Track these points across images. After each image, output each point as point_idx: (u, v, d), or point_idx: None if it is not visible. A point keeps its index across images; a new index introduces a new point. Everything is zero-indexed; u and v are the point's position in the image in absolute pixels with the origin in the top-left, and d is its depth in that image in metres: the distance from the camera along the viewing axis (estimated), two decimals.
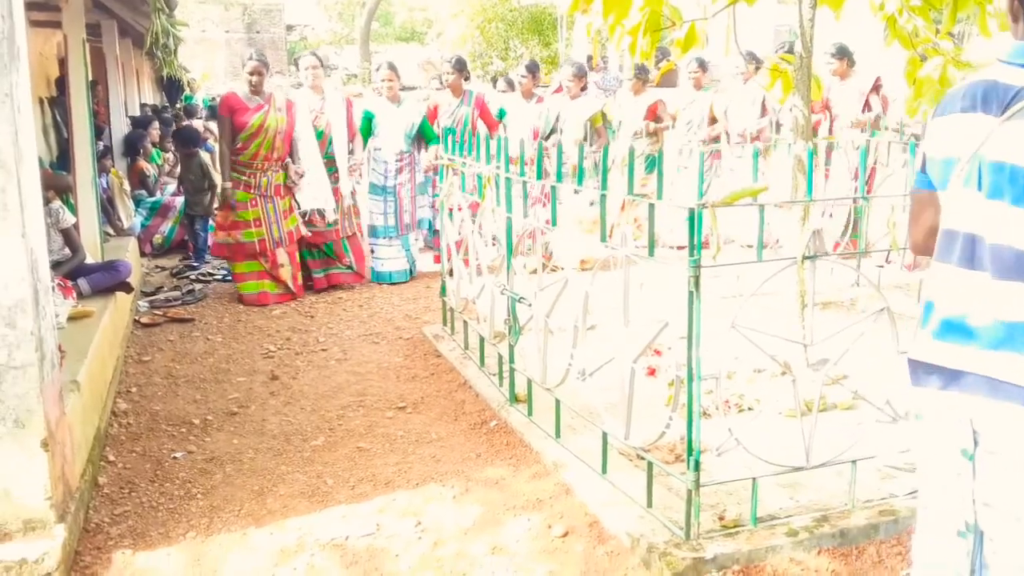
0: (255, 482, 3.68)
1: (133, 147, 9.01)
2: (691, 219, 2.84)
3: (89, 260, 5.64)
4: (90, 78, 7.95)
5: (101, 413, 4.11)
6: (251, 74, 6.53)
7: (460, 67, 7.46)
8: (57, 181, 5.67)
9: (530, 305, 3.99)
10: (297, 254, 6.77)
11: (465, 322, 5.10)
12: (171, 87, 14.09)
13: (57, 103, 8.09)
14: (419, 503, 3.47)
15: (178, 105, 14.09)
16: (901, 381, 3.12)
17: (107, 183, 7.62)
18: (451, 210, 5.23)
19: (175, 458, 3.93)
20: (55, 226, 5.23)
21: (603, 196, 3.51)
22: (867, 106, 7.48)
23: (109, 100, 8.91)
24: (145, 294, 6.75)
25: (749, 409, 4.05)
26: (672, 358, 3.17)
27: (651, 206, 3.17)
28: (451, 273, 5.28)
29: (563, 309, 3.72)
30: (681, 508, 2.97)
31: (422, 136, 7.30)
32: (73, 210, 5.84)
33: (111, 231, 7.32)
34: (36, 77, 8.15)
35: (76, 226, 5.60)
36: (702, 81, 8.37)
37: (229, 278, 7.03)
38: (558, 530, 3.21)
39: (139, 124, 9.98)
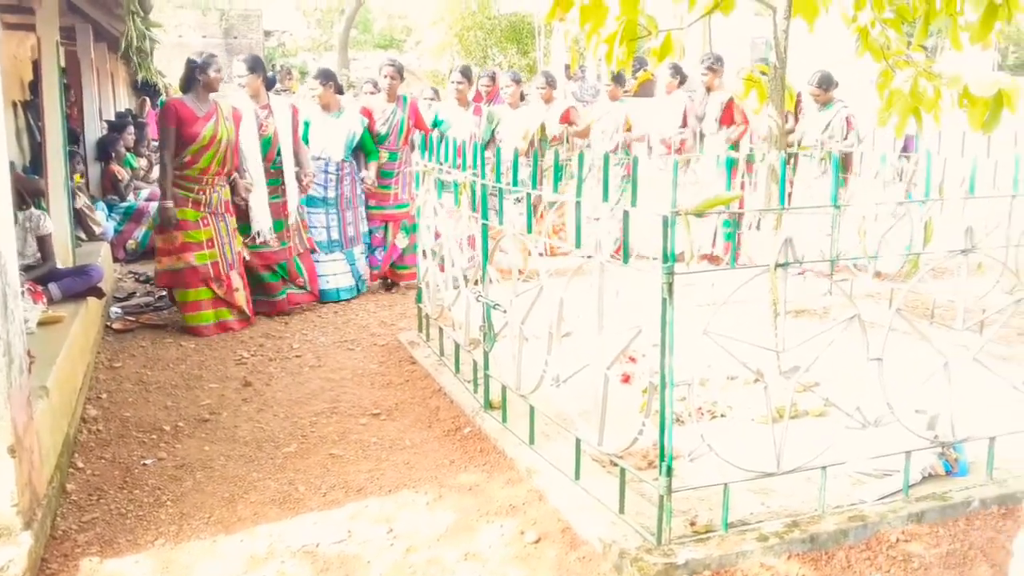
0: (226, 489, 3.65)
1: (106, 151, 8.93)
2: (664, 226, 2.85)
3: (60, 265, 5.58)
4: (64, 81, 7.90)
5: (70, 419, 4.06)
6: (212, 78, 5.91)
7: (399, 72, 7.17)
8: (29, 185, 5.62)
9: (505, 312, 3.99)
10: (245, 276, 6.19)
11: (441, 329, 5.09)
12: (148, 92, 14.00)
13: (31, 107, 8.01)
14: (392, 510, 3.45)
15: (156, 110, 13.99)
16: (870, 387, 3.16)
17: (73, 189, 7.53)
18: (427, 217, 5.22)
19: (145, 465, 3.88)
20: (33, 231, 5.20)
21: (578, 203, 3.52)
22: (787, 116, 7.56)
23: (83, 104, 8.83)
24: (117, 299, 6.68)
25: (722, 416, 4.07)
26: (646, 365, 3.18)
27: (626, 214, 3.18)
28: (426, 280, 5.27)
29: (538, 316, 3.72)
30: (653, 514, 2.97)
31: (362, 148, 7.01)
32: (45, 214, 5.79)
33: (83, 236, 7.25)
34: (9, 80, 8.08)
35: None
36: (619, 93, 8.60)
37: (165, 307, 6.40)
38: (531, 536, 3.20)
39: (114, 128, 9.90)
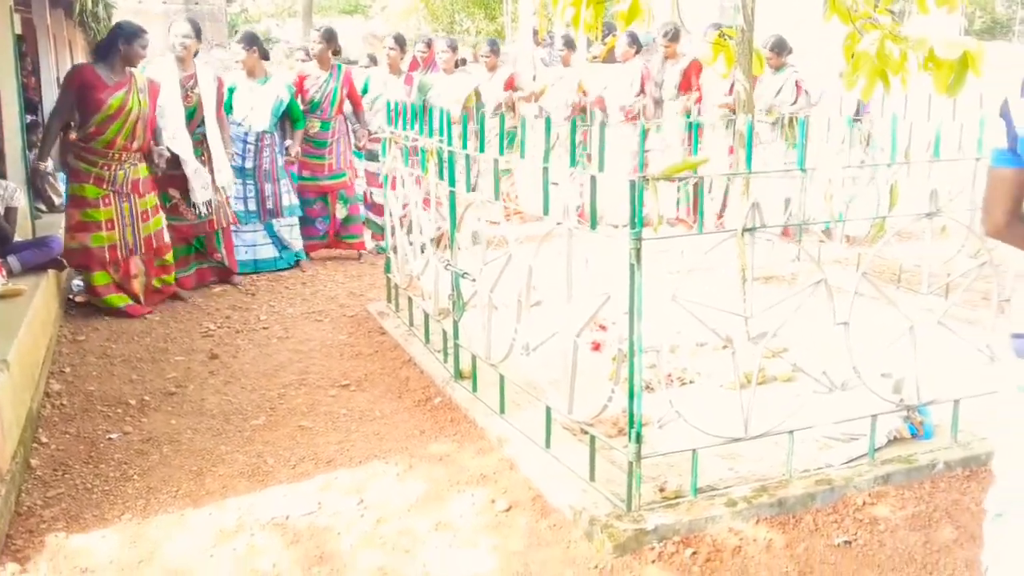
0: (193, 463, 3.61)
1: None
2: (631, 191, 2.83)
3: (19, 237, 5.46)
4: (21, 49, 7.68)
5: (33, 394, 3.99)
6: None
7: (328, 38, 6.96)
8: None
9: (474, 280, 3.96)
10: (155, 262, 5.77)
11: (410, 299, 5.06)
12: None
13: None
14: (362, 481, 3.44)
15: None
16: (837, 352, 3.18)
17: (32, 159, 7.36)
18: (394, 184, 5.16)
19: (110, 439, 3.83)
20: (4, 201, 5.12)
21: (545, 169, 3.49)
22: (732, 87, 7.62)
23: (40, 73, 8.60)
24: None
25: (691, 382, 4.09)
26: (616, 332, 3.17)
27: (593, 179, 3.16)
28: (395, 249, 5.23)
29: (507, 284, 3.70)
30: (624, 481, 2.98)
31: (288, 115, 6.79)
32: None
33: (43, 207, 7.10)
34: None
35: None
36: (570, 59, 8.62)
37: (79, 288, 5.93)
38: (502, 505, 3.20)
39: None
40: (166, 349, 5.00)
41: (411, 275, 4.99)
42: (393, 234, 5.23)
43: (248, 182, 6.65)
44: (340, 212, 7.13)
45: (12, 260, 4.92)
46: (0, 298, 4.41)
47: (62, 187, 7.65)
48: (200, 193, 6.07)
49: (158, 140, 5.78)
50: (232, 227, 6.44)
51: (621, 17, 4.39)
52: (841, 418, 3.31)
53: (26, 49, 9.12)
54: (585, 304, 3.22)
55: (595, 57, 8.65)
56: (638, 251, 2.82)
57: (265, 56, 6.95)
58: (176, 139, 5.95)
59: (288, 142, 6.81)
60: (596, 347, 4.44)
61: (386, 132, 5.21)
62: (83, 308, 5.74)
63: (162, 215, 5.88)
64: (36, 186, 6.93)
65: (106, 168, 5.42)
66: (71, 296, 5.90)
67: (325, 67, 6.97)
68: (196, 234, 6.17)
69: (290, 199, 6.83)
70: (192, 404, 4.23)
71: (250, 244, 6.69)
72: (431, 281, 4.56)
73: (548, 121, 3.63)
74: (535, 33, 12.30)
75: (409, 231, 4.93)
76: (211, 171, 6.16)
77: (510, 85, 8.17)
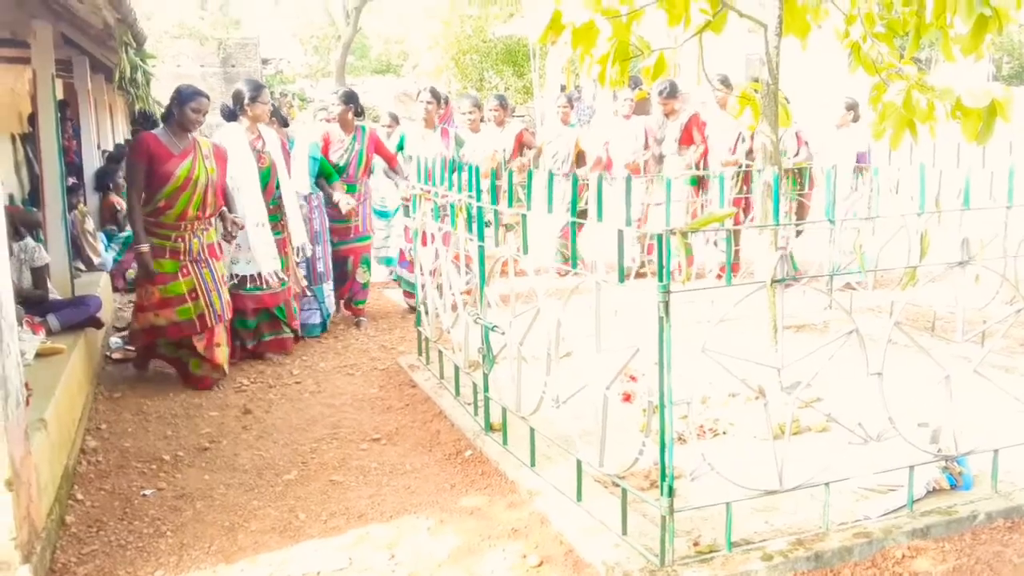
0: (226, 518, 3.63)
1: (104, 182, 8.96)
2: (659, 244, 2.85)
3: (59, 296, 5.58)
4: (63, 113, 7.94)
5: (69, 451, 4.04)
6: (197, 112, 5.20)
7: (348, 100, 6.77)
8: (27, 217, 5.63)
9: (503, 333, 3.98)
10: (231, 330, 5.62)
11: (440, 351, 5.08)
12: (146, 122, 14.05)
13: (29, 139, 8.06)
14: (393, 535, 3.43)
15: None
16: (871, 402, 3.14)
17: (73, 219, 7.54)
18: (424, 239, 5.22)
19: (144, 495, 3.86)
20: (28, 263, 5.19)
21: (573, 223, 3.52)
22: (740, 138, 7.77)
23: (81, 136, 8.86)
24: (117, 329, 6.67)
25: (723, 433, 4.05)
26: (647, 383, 3.17)
27: (620, 232, 3.18)
28: (425, 303, 5.27)
29: (537, 337, 3.71)
30: (657, 535, 2.95)
31: (322, 173, 6.62)
32: (43, 246, 5.80)
33: (82, 267, 7.26)
34: (7, 113, 8.12)
35: (46, 266, 5.56)
36: (570, 116, 8.66)
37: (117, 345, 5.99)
38: (534, 560, 3.17)
39: (112, 159, 9.95)
40: (200, 405, 5.05)
41: (441, 328, 5.02)
42: (423, 288, 5.28)
43: None
44: (362, 277, 6.90)
45: (51, 319, 5.02)
46: (39, 356, 4.49)
47: (101, 247, 7.83)
48: (269, 263, 5.81)
49: (231, 208, 5.60)
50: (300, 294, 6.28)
51: (647, 73, 4.46)
52: (878, 469, 3.26)
53: (68, 113, 9.42)
54: (614, 356, 3.22)
55: (624, 113, 8.65)
56: (667, 304, 2.82)
57: (284, 123, 6.95)
58: (250, 209, 5.77)
59: (336, 195, 6.52)
60: (627, 398, 4.42)
61: (416, 188, 5.29)
62: (119, 365, 5.82)
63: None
64: (76, 245, 7.09)
65: (180, 240, 5.20)
66: (108, 354, 5.99)
67: (348, 130, 6.81)
68: (276, 303, 5.89)
69: (329, 262, 6.72)
70: (225, 459, 4.26)
71: (303, 310, 6.48)
72: (461, 334, 4.59)
73: (575, 179, 3.68)
74: (562, 89, 12.46)
75: (440, 285, 4.97)
76: (287, 234, 6.05)
77: (520, 140, 8.19)
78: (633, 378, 4.45)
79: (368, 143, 6.86)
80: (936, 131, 4.23)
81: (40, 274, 5.28)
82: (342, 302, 6.99)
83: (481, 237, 4.24)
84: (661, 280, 2.83)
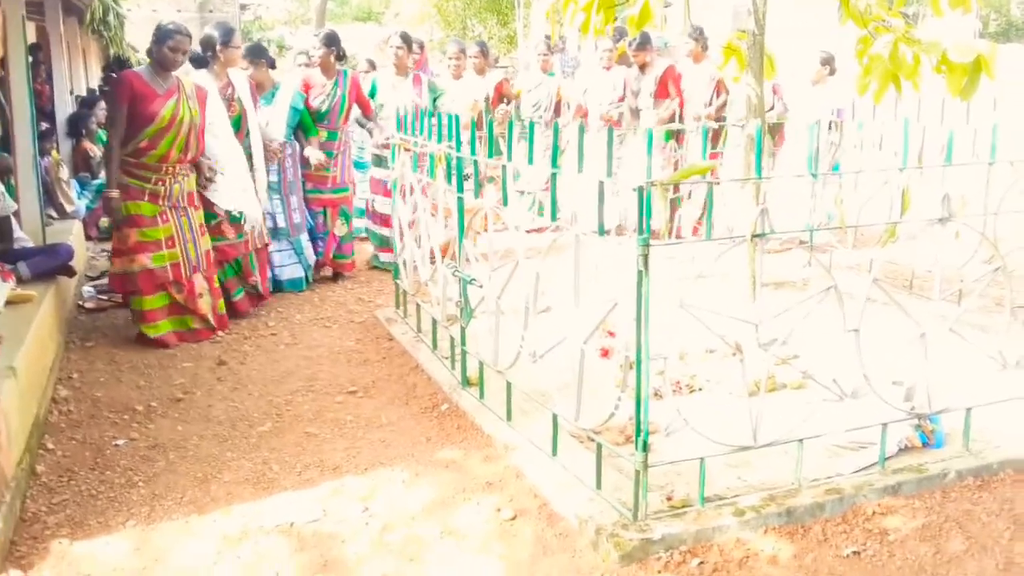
0: (199, 469, 3.60)
1: (77, 128, 8.76)
2: (640, 197, 2.81)
3: (30, 243, 5.48)
4: (34, 57, 7.72)
5: (40, 400, 3.99)
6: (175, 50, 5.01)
7: (330, 43, 6.50)
8: None
9: (481, 287, 3.94)
10: (215, 278, 5.42)
11: (418, 305, 5.04)
12: (120, 68, 13.77)
13: (0, 83, 7.84)
14: (368, 488, 3.42)
15: None
16: (847, 359, 3.14)
17: (46, 166, 7.38)
18: (403, 191, 5.15)
19: (117, 446, 3.82)
20: None
21: (554, 175, 3.47)
22: (719, 89, 7.71)
23: (54, 80, 8.65)
24: (89, 278, 6.58)
25: (700, 390, 4.05)
26: (624, 339, 3.15)
27: (601, 184, 3.13)
28: (403, 256, 5.21)
29: (515, 290, 3.68)
30: (631, 489, 2.95)
31: (300, 124, 6.43)
32: (13, 192, 5.68)
33: (54, 214, 7.13)
34: None
35: (17, 213, 5.45)
36: (550, 64, 8.54)
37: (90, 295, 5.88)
38: (508, 513, 3.18)
39: (85, 104, 9.73)
40: (174, 355, 5.00)
41: (419, 281, 4.97)
42: (402, 240, 5.22)
43: (275, 197, 6.25)
44: (340, 229, 6.73)
45: (22, 266, 4.93)
46: (9, 304, 4.41)
47: (74, 194, 7.69)
48: (226, 199, 5.54)
49: (207, 154, 5.41)
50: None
51: (632, 22, 4.37)
52: (851, 426, 3.27)
53: (41, 57, 9.18)
54: (593, 311, 3.20)
55: (604, 64, 8.53)
56: (646, 258, 2.79)
57: (272, 65, 6.72)
58: (222, 152, 5.53)
59: (308, 151, 6.39)
60: (605, 354, 4.40)
61: (395, 138, 5.20)
62: (92, 314, 5.75)
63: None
64: (48, 192, 6.96)
65: (161, 183, 5.04)
66: (81, 303, 5.91)
67: (330, 74, 6.55)
68: (234, 255, 5.68)
69: (305, 212, 6.55)
70: (199, 410, 4.22)
71: (280, 264, 6.29)
72: (439, 287, 4.55)
73: (556, 127, 3.61)
74: (547, 38, 12.29)
75: (418, 237, 4.91)
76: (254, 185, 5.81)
77: (499, 90, 8.04)
78: (611, 333, 4.43)
79: (351, 88, 6.63)
80: (920, 85, 4.18)
81: (6, 223, 5.17)
82: (327, 256, 6.73)
83: (460, 188, 4.18)
84: (641, 233, 2.79)
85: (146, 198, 5.02)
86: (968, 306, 3.58)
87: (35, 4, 7.74)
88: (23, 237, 5.48)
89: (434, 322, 4.71)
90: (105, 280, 6.45)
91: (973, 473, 3.27)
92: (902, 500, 3.13)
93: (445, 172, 4.41)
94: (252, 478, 3.51)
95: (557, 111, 8.42)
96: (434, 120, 4.52)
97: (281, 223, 6.28)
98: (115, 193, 4.95)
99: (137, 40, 13.22)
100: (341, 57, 6.68)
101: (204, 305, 5.24)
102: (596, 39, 7.07)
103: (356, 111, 6.86)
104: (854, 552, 2.86)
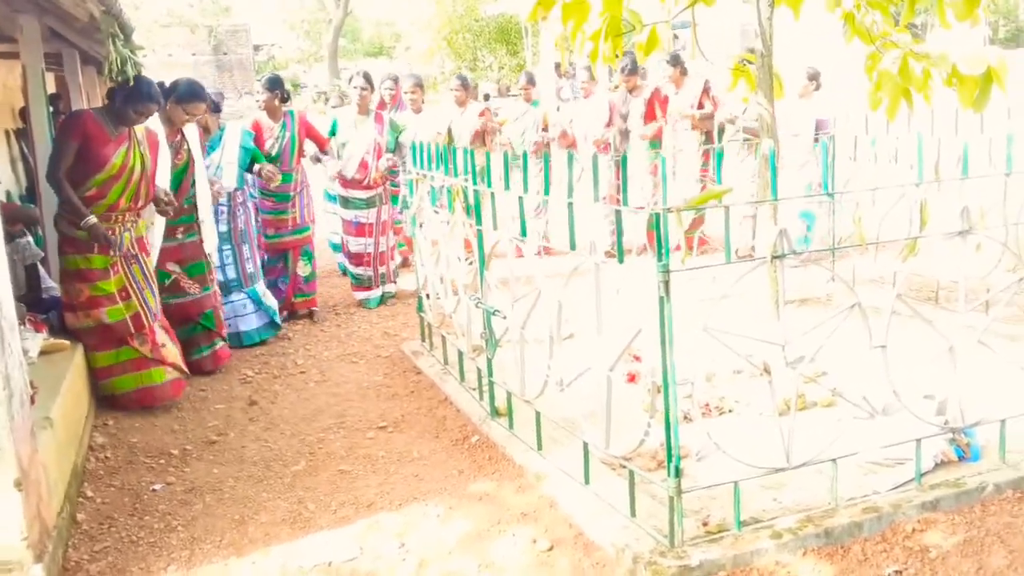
0: (236, 511, 3.64)
1: None
2: (656, 223, 2.83)
3: (59, 292, 5.56)
4: (57, 108, 7.88)
5: (77, 448, 4.04)
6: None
7: (272, 87, 6.42)
8: (24, 214, 5.62)
9: (505, 317, 3.97)
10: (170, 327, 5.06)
11: (444, 337, 5.08)
12: None
13: (24, 134, 8.01)
14: (403, 524, 3.44)
15: None
16: (876, 375, 3.14)
17: None
18: (421, 224, 5.21)
19: (154, 490, 3.87)
20: (21, 261, 5.16)
21: (570, 204, 3.50)
22: (700, 107, 7.98)
23: None
24: None
25: (729, 411, 4.05)
26: (650, 363, 3.17)
27: (618, 212, 3.17)
28: (427, 289, 5.26)
29: (539, 319, 3.71)
30: (665, 515, 2.96)
31: (254, 162, 6.14)
32: (41, 243, 5.78)
33: None
34: (1, 109, 8.08)
35: (44, 260, 5.53)
36: (531, 95, 8.71)
37: None
38: (544, 544, 3.18)
39: None
40: (206, 397, 5.05)
41: (443, 313, 5.01)
42: (424, 273, 5.26)
43: (225, 247, 5.94)
44: (303, 270, 6.61)
45: (53, 316, 5.00)
46: (43, 354, 4.47)
47: None
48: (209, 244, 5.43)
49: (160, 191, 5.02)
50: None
51: (640, 48, 4.42)
52: (885, 443, 3.26)
53: (61, 106, 9.37)
54: (617, 337, 3.22)
55: (616, 87, 8.68)
56: (667, 283, 2.81)
57: (217, 109, 6.32)
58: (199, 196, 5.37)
59: (258, 166, 6.06)
60: (632, 379, 4.41)
61: (412, 173, 5.26)
62: None
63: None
64: None
65: (111, 233, 4.65)
66: None
67: (276, 117, 6.47)
68: (202, 309, 5.40)
69: (257, 261, 6.26)
70: (233, 452, 4.27)
71: (230, 316, 5.91)
72: (463, 319, 4.58)
73: (571, 156, 3.66)
74: (557, 67, 12.43)
75: (441, 273, 4.95)
76: (201, 237, 5.46)
77: (482, 116, 8.08)
78: (637, 358, 4.45)
79: (299, 128, 6.57)
80: (931, 99, 4.20)
81: (33, 271, 5.26)
82: (288, 298, 6.61)
83: (479, 220, 4.22)
84: (660, 259, 2.81)
85: (96, 250, 4.65)
86: (995, 316, 3.57)
87: (54, 55, 7.90)
88: (52, 286, 5.57)
89: (460, 354, 4.74)
90: None
91: (1012, 485, 3.25)
92: (941, 516, 3.11)
93: (463, 205, 4.45)
94: (288, 518, 3.54)
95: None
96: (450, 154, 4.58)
97: (232, 275, 5.99)
98: (93, 219, 4.53)
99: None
100: (284, 99, 6.58)
101: (170, 354, 4.89)
102: (606, 66, 7.16)
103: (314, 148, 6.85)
104: (896, 571, 2.85)
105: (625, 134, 8.08)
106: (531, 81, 8.76)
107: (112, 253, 4.68)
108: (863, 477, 3.32)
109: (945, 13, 4.35)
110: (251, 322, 6.06)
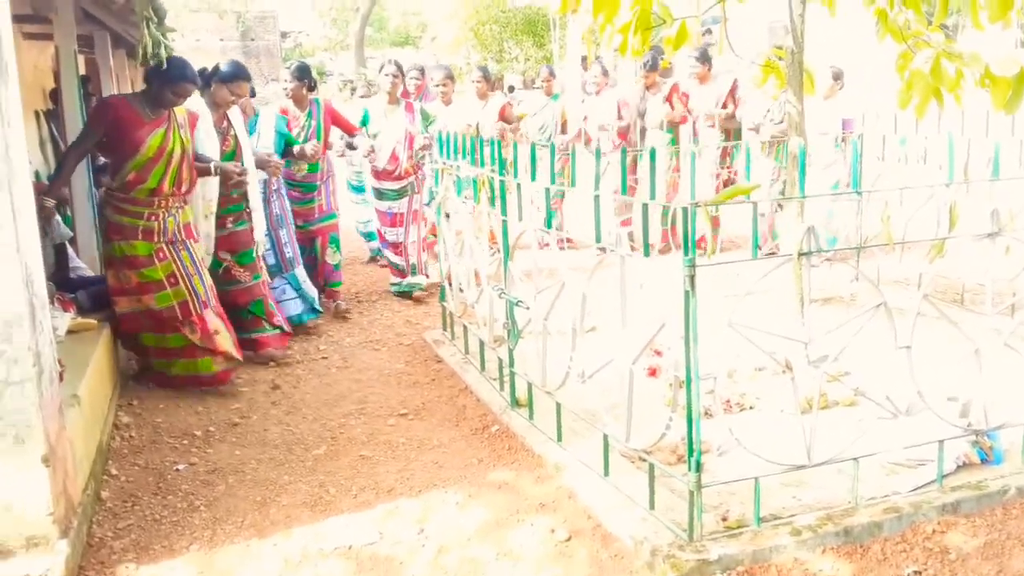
0: (258, 493, 3.68)
1: None
2: (684, 218, 2.84)
3: (88, 272, 5.63)
4: (87, 89, 7.95)
5: (103, 427, 4.10)
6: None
7: (300, 75, 6.38)
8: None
9: (528, 308, 3.98)
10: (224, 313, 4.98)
11: (465, 326, 5.10)
12: None
13: (53, 115, 8.09)
14: (422, 510, 3.47)
15: None
16: (900, 375, 3.13)
17: (99, 196, 7.55)
18: (447, 214, 5.22)
19: (177, 470, 3.92)
20: (50, 241, 5.22)
21: (596, 197, 3.51)
22: (726, 104, 7.94)
23: None
24: None
25: (751, 408, 4.05)
26: (672, 358, 3.18)
27: (644, 206, 3.17)
28: (449, 278, 5.28)
29: (562, 311, 3.72)
30: (684, 509, 2.96)
31: (288, 146, 6.15)
32: (70, 223, 5.85)
33: None
34: (31, 90, 8.16)
35: (73, 240, 5.59)
36: (552, 87, 8.76)
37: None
38: (562, 534, 3.20)
39: None
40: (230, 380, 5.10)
41: (466, 303, 5.03)
42: (447, 262, 5.29)
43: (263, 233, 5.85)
44: (332, 258, 6.53)
45: (81, 295, 5.06)
46: (70, 333, 4.53)
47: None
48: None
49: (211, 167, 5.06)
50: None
51: (669, 42, 4.41)
52: (907, 444, 3.25)
53: (91, 88, 9.45)
54: (640, 330, 3.22)
55: (594, 89, 8.66)
56: (692, 278, 2.82)
57: (312, 88, 6.53)
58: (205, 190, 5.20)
59: (298, 149, 6.09)
60: (652, 373, 4.42)
61: (438, 163, 5.28)
62: None
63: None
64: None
65: (153, 218, 4.66)
66: None
67: (303, 106, 6.42)
68: (253, 298, 5.41)
69: (296, 246, 6.22)
70: (255, 434, 4.31)
71: (277, 301, 5.86)
72: (486, 309, 4.60)
73: (598, 152, 3.66)
74: (583, 60, 12.40)
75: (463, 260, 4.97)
76: (252, 225, 5.49)
77: (502, 115, 7.97)
78: (658, 352, 4.45)
79: (324, 116, 6.50)
80: (962, 99, 4.17)
81: (62, 251, 5.32)
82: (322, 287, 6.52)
83: (504, 211, 4.23)
84: (686, 254, 2.82)
85: (140, 236, 4.64)
86: (1022, 320, 3.55)
87: (85, 38, 7.97)
88: (81, 266, 5.63)
89: (481, 344, 4.76)
90: None
91: None
92: (962, 518, 3.10)
93: (488, 196, 4.47)
94: (309, 501, 3.58)
95: (564, 132, 8.62)
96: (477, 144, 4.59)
97: (271, 260, 5.97)
98: (50, 202, 4.72)
99: None
100: (312, 88, 6.53)
101: (223, 342, 4.82)
102: (634, 59, 7.14)
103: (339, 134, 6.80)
104: (915, 572, 2.84)
105: (643, 132, 8.08)
106: (552, 74, 8.78)
107: (155, 239, 4.66)
108: (884, 477, 3.31)
109: (978, 14, 4.32)
110: (294, 307, 6.05)
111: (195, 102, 5.16)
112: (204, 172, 5.04)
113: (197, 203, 5.08)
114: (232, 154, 5.41)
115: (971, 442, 3.38)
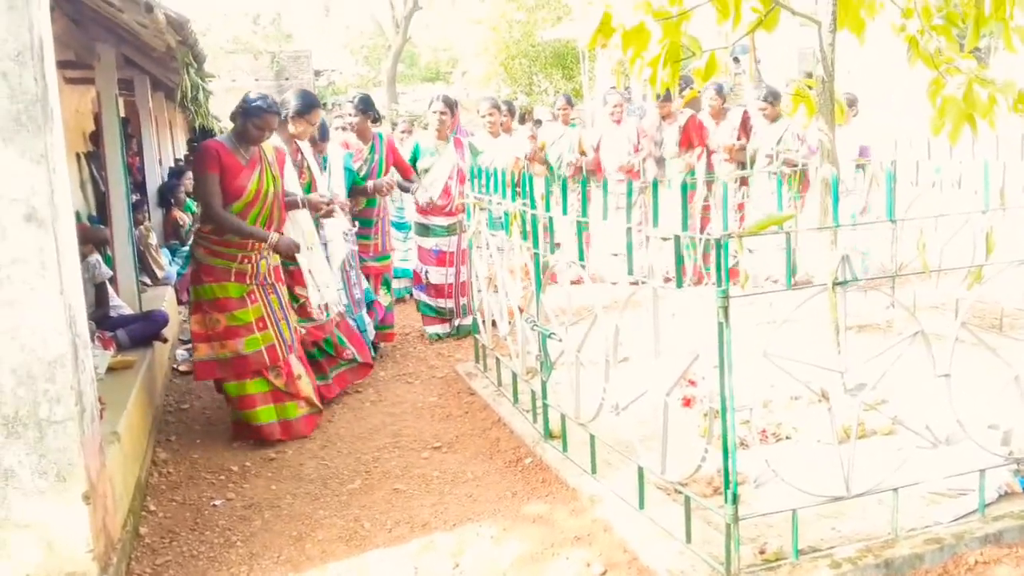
0: (293, 528, 3.70)
1: (166, 198, 9.20)
2: (717, 250, 2.84)
3: (127, 311, 5.74)
4: (126, 131, 8.15)
5: (141, 463, 4.16)
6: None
7: (365, 108, 6.28)
8: (95, 235, 5.81)
9: (560, 340, 3.99)
10: (305, 358, 4.99)
11: (498, 359, 5.11)
12: (204, 137, 14.36)
13: (93, 157, 8.28)
14: (457, 544, 3.46)
15: None
16: (939, 403, 3.08)
17: (137, 235, 7.70)
18: (479, 248, 5.26)
19: (214, 506, 3.95)
20: (91, 280, 5.34)
21: (628, 230, 3.52)
22: (739, 135, 7.99)
23: (143, 152, 9.10)
24: (182, 342, 6.83)
25: (787, 438, 4.00)
26: (707, 388, 3.16)
27: (677, 238, 3.17)
28: (481, 311, 5.30)
29: (594, 343, 3.72)
30: (721, 542, 2.93)
31: (354, 184, 6.07)
32: (110, 262, 5.97)
33: (148, 281, 7.45)
34: (72, 133, 8.36)
35: (113, 279, 5.71)
36: (569, 117, 8.78)
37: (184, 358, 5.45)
38: (597, 568, 3.18)
39: (173, 175, 10.20)
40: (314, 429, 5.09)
41: (498, 336, 5.05)
42: (479, 295, 5.31)
43: (335, 273, 5.68)
44: (385, 299, 6.38)
45: (121, 333, 5.16)
46: (110, 370, 4.62)
47: (165, 261, 8.03)
48: (324, 292, 5.21)
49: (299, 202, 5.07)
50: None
51: (698, 74, 4.44)
52: (947, 473, 3.19)
53: (130, 130, 9.68)
54: (673, 361, 3.21)
55: (615, 118, 8.68)
56: (726, 309, 2.81)
57: (375, 120, 6.43)
58: (299, 222, 5.13)
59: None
60: (687, 403, 4.39)
61: (470, 197, 5.33)
62: (186, 377, 5.97)
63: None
64: (141, 260, 7.28)
65: (246, 261, 4.64)
66: (175, 366, 6.15)
67: (366, 139, 6.31)
68: (325, 335, 5.29)
69: (363, 287, 6.11)
70: (291, 469, 4.34)
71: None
72: (518, 341, 4.61)
73: (564, 181, 3.67)
74: (613, 89, 12.46)
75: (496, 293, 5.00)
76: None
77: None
78: (692, 382, 4.43)
79: (387, 152, 6.40)
80: (996, 124, 4.13)
81: (102, 290, 5.43)
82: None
83: (536, 244, 4.26)
84: (719, 285, 2.81)
85: (232, 278, 4.63)
86: None
87: (125, 81, 8.19)
88: (120, 304, 5.75)
89: (514, 376, 4.76)
90: None
91: None
92: (1005, 549, 3.03)
93: (520, 230, 4.49)
94: (344, 536, 3.59)
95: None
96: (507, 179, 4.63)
97: (344, 300, 5.75)
98: (275, 237, 4.66)
99: (217, 110, 13.81)
100: (376, 120, 6.43)
101: (305, 387, 4.82)
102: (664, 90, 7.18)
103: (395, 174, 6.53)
104: None
105: (660, 161, 8.14)
106: (569, 103, 8.82)
107: (248, 282, 4.65)
108: (925, 507, 3.25)
109: (1011, 37, 4.30)
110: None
111: (275, 139, 5.10)
112: (292, 205, 5.05)
113: (298, 238, 5.02)
114: (308, 187, 5.37)
115: (1013, 471, 3.31)
